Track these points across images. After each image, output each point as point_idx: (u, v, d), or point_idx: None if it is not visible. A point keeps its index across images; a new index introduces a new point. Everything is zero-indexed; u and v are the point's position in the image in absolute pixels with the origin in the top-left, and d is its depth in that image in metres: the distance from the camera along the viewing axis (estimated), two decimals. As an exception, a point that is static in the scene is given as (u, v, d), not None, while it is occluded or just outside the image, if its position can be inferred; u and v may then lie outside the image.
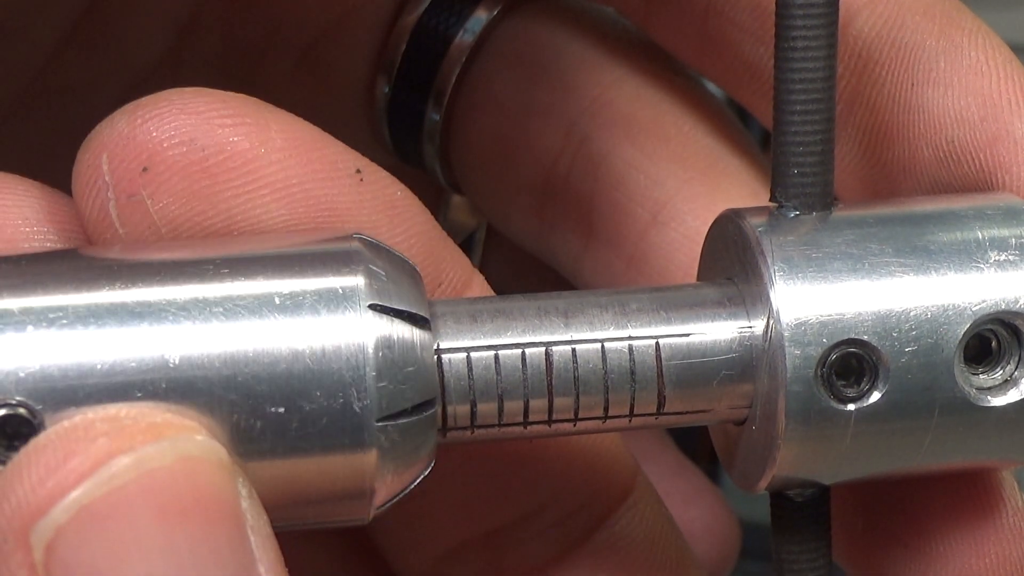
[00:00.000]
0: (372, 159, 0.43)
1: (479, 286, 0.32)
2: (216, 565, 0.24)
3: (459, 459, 0.33)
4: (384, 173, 0.31)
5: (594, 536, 0.34)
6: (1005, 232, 0.29)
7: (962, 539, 0.31)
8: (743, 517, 0.42)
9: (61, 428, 0.25)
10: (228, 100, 0.29)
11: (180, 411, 0.26)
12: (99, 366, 0.25)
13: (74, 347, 0.26)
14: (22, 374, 0.25)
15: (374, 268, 0.27)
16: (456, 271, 0.31)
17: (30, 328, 0.25)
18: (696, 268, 0.32)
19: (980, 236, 0.29)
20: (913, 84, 0.33)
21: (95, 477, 0.24)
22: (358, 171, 0.30)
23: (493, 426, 0.28)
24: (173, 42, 0.40)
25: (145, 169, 0.28)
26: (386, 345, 0.26)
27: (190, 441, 0.25)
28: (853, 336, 0.28)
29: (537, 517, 0.34)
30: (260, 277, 0.27)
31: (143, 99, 0.29)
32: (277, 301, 0.26)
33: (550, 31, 0.39)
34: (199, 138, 0.28)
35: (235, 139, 0.29)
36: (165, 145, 0.28)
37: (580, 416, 0.28)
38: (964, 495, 0.32)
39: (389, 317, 0.27)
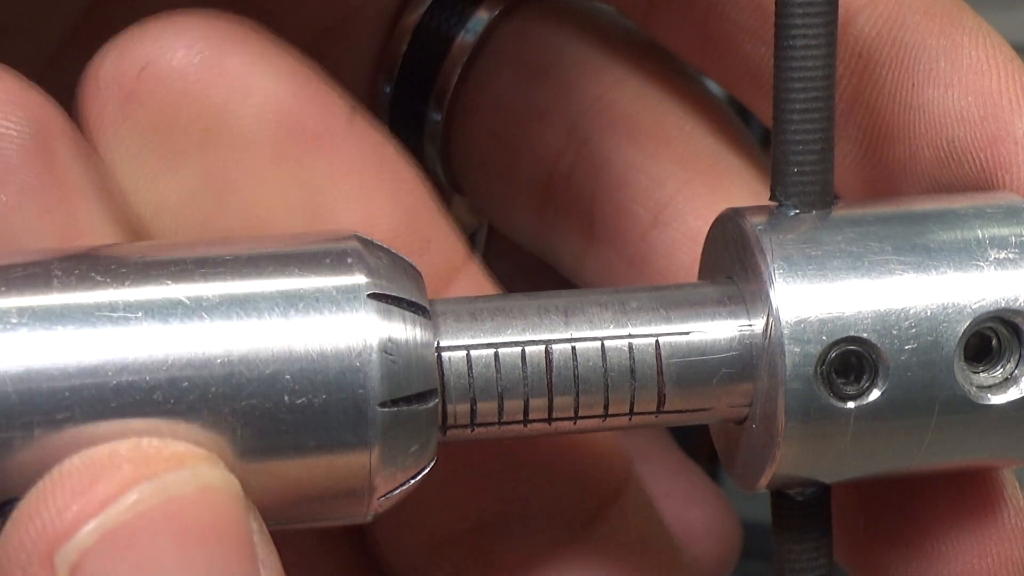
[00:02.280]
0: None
1: (472, 275, 0.33)
2: None
3: (448, 451, 0.33)
4: (380, 124, 0.31)
5: (584, 534, 0.35)
6: (1005, 231, 0.29)
7: (964, 539, 0.31)
8: (744, 516, 0.42)
9: (86, 455, 0.25)
10: (237, 22, 0.30)
11: (190, 433, 0.26)
12: (99, 366, 0.26)
13: (72, 348, 0.26)
14: (12, 373, 0.25)
15: (374, 267, 0.27)
16: (445, 246, 0.32)
17: (24, 328, 0.26)
18: (697, 268, 0.32)
19: (980, 235, 0.29)
20: (913, 84, 0.33)
21: (120, 503, 0.25)
22: (353, 109, 0.31)
23: (493, 424, 0.28)
24: None
25: (145, 67, 0.29)
26: (387, 344, 0.27)
27: (210, 472, 0.26)
28: (853, 334, 0.28)
29: (525, 512, 0.34)
30: (260, 277, 0.27)
31: (150, 17, 0.30)
32: (277, 300, 0.27)
33: (552, 31, 0.39)
34: (197, 45, 0.29)
35: (234, 51, 0.30)
36: (165, 48, 0.29)
37: (580, 414, 0.29)
38: (966, 495, 0.32)
39: (390, 316, 0.27)
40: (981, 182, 0.32)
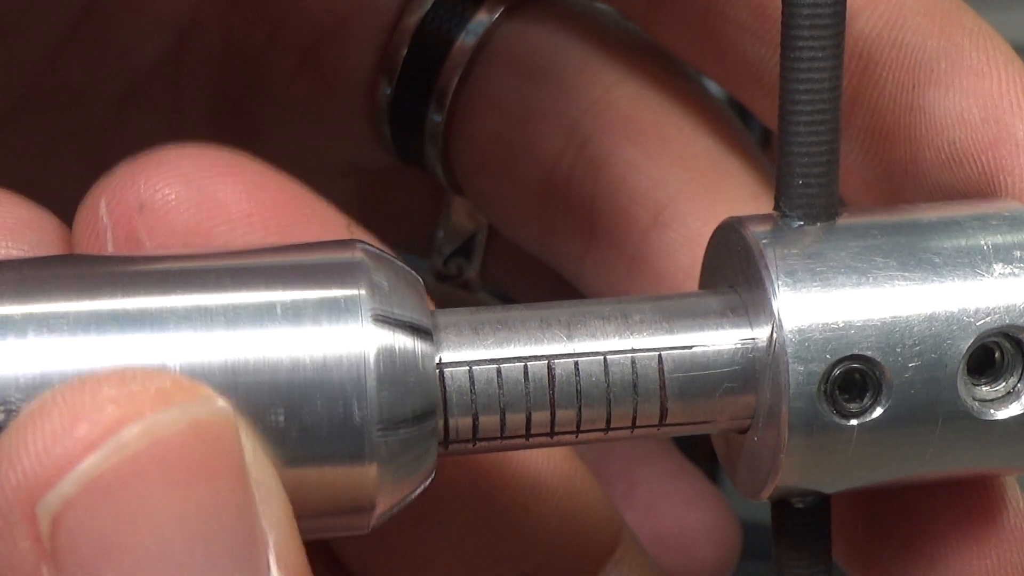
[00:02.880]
0: (373, 160, 0.43)
1: None
2: (223, 529, 0.24)
3: (454, 528, 0.33)
4: (370, 233, 0.31)
5: None
6: (1010, 242, 0.29)
7: (964, 541, 0.31)
8: (744, 517, 0.42)
9: (66, 390, 0.24)
10: (225, 152, 0.29)
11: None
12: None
13: (75, 353, 0.26)
14: (22, 380, 0.25)
15: (376, 278, 0.27)
16: None
17: (31, 334, 0.25)
18: (697, 270, 0.32)
19: (985, 248, 0.29)
20: (914, 85, 0.33)
21: (104, 447, 0.24)
22: (349, 226, 0.31)
23: (495, 439, 0.28)
24: (173, 43, 0.39)
25: (142, 208, 0.28)
26: (387, 356, 0.26)
27: (199, 405, 0.25)
28: (857, 352, 0.28)
29: None
30: (262, 286, 0.27)
31: (142, 153, 0.29)
32: (279, 310, 0.26)
33: (552, 33, 0.39)
34: (196, 180, 0.29)
35: (231, 184, 0.29)
36: (162, 185, 0.29)
37: (582, 428, 0.28)
38: (966, 497, 0.32)
39: (391, 328, 0.27)
40: (982, 184, 0.32)
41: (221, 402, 0.25)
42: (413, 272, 0.28)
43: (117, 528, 0.24)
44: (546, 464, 0.35)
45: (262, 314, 0.26)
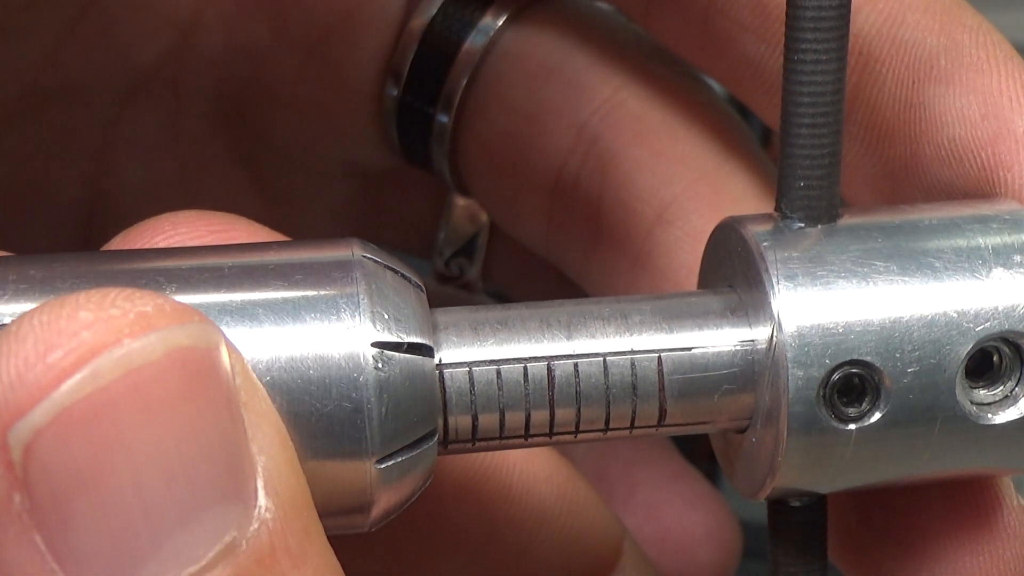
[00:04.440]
0: (377, 161, 0.43)
1: None
2: (204, 459, 0.24)
3: (461, 562, 0.33)
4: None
5: None
6: (1010, 245, 0.29)
7: (958, 539, 0.32)
8: (744, 517, 0.42)
9: (44, 311, 0.23)
10: (224, 215, 0.29)
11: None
12: None
13: None
14: None
15: (375, 277, 0.27)
16: None
17: None
18: (699, 268, 0.32)
19: (985, 252, 0.29)
20: (914, 81, 0.33)
21: (78, 376, 0.23)
22: None
23: (494, 439, 0.28)
24: (175, 41, 0.39)
25: None
26: (386, 356, 0.26)
27: (181, 330, 0.24)
28: (856, 357, 0.28)
29: None
30: (260, 284, 0.27)
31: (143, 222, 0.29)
32: (277, 308, 0.26)
33: (560, 35, 0.39)
34: (194, 244, 0.28)
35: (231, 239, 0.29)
36: (166, 242, 0.28)
37: (581, 428, 0.28)
38: (960, 495, 0.32)
39: (390, 326, 0.27)
40: (982, 180, 0.32)
41: (205, 325, 0.24)
42: (413, 271, 0.28)
43: (91, 460, 0.23)
44: (549, 491, 0.35)
45: (260, 311, 0.26)
